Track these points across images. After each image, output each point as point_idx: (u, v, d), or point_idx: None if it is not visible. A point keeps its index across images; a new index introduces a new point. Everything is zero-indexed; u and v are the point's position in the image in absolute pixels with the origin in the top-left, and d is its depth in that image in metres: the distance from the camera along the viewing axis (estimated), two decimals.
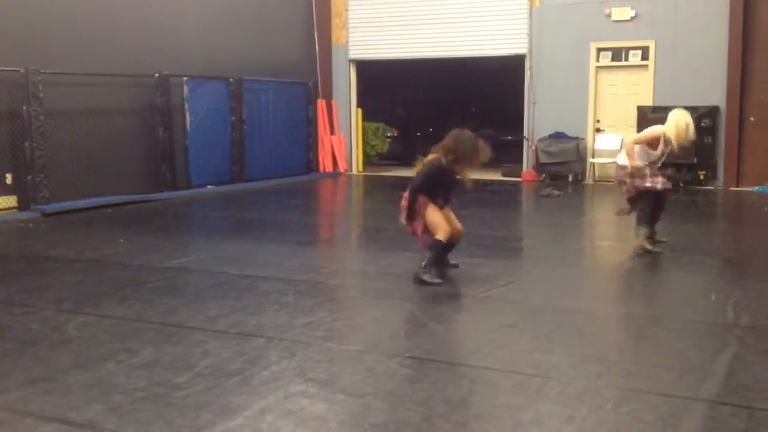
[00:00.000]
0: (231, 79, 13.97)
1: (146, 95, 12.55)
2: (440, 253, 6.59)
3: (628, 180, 7.75)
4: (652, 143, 7.65)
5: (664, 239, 8.03)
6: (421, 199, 6.56)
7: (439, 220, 6.52)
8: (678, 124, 7.55)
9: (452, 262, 6.97)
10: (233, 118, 14.05)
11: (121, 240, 8.65)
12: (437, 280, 6.44)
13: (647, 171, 7.70)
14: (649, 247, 7.69)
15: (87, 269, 7.19)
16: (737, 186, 13.18)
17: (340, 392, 4.07)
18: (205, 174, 13.47)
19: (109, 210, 10.95)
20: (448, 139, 6.50)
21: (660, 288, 6.81)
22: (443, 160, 6.50)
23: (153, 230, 9.65)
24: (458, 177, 6.72)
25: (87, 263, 7.46)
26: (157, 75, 12.57)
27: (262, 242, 8.63)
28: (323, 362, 4.55)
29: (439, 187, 6.62)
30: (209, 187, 13.43)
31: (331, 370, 4.43)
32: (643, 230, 7.73)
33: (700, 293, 6.31)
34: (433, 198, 6.60)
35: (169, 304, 5.89)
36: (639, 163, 7.64)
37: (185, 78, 13.08)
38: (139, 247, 8.29)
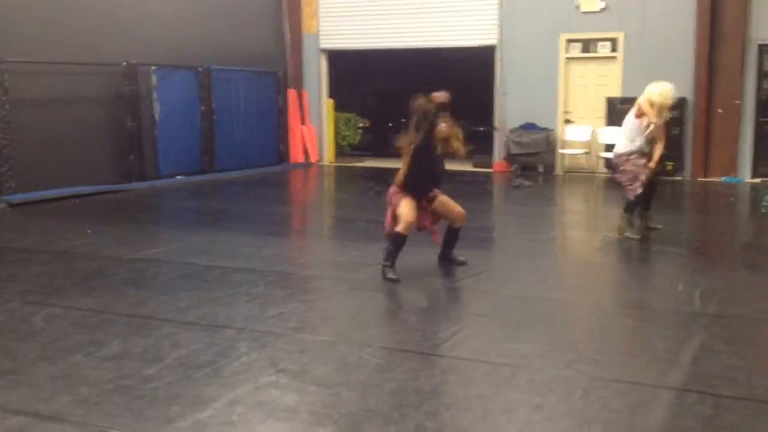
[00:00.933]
0: (200, 69, 13.82)
1: (114, 84, 12.37)
2: (398, 246, 6.29)
3: (627, 166, 7.86)
4: (647, 113, 7.69)
5: (659, 226, 8.16)
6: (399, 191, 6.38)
7: (406, 212, 6.27)
8: (662, 90, 7.75)
9: (460, 258, 6.75)
10: (202, 107, 13.91)
11: (89, 231, 8.54)
12: (393, 277, 6.19)
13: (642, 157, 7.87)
14: (628, 234, 7.89)
15: (54, 260, 7.09)
16: (704, 176, 13.35)
17: (311, 383, 4.06)
18: (174, 164, 13.33)
19: (77, 200, 10.80)
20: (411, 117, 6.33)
21: (629, 278, 6.89)
22: (417, 136, 6.27)
23: (121, 221, 9.54)
24: (441, 152, 6.46)
25: (54, 254, 7.36)
26: (124, 64, 12.39)
27: (232, 233, 8.57)
28: (294, 353, 4.54)
29: (426, 171, 6.39)
30: (178, 177, 13.30)
31: (302, 360, 4.42)
32: (627, 215, 7.96)
33: (668, 283, 6.39)
34: (417, 188, 6.41)
35: (138, 296, 5.83)
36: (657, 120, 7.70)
37: (153, 67, 12.91)
38: (108, 238, 8.20)
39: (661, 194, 11.98)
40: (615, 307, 5.79)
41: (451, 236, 6.74)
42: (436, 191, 6.60)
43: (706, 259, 7.55)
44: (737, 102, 12.81)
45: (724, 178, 13.14)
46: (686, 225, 9.78)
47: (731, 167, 13.22)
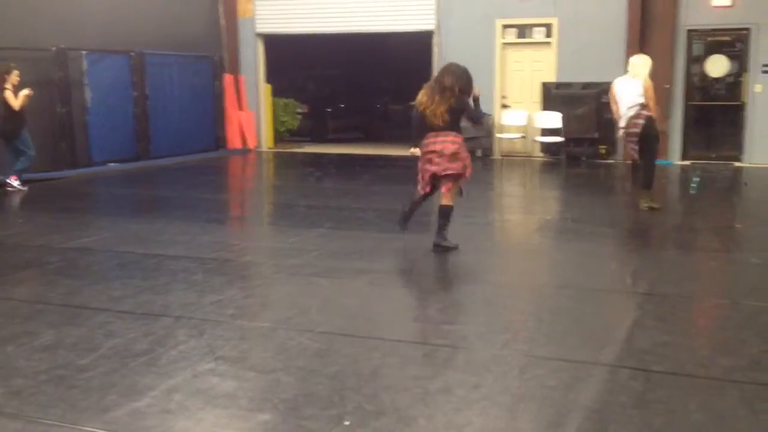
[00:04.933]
0: (132, 53, 13.51)
1: (43, 70, 11.99)
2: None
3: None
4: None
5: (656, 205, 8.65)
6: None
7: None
8: (649, 63, 8.65)
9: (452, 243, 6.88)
10: (135, 93, 13.59)
11: (20, 220, 8.31)
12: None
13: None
14: (654, 204, 8.56)
15: None
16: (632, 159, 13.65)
17: (251, 369, 4.04)
18: (107, 151, 13.02)
19: (8, 189, 10.47)
20: (446, 79, 6.44)
21: (564, 258, 7.02)
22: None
23: (53, 210, 9.29)
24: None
25: None
26: (54, 48, 12.03)
27: (169, 220, 8.44)
28: (233, 340, 4.50)
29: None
30: (112, 164, 13.00)
31: (241, 347, 4.39)
32: (650, 191, 8.64)
33: (602, 263, 6.55)
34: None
35: (71, 285, 5.70)
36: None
37: (84, 52, 12.56)
38: (39, 227, 7.99)
39: (594, 177, 12.30)
40: (551, 287, 5.90)
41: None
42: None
43: (638, 240, 7.76)
44: (667, 86, 13.14)
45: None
46: (618, 207, 10.02)
47: (662, 150, 13.54)
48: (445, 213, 6.65)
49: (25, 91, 10.23)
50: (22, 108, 10.24)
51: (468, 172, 6.66)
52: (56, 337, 4.53)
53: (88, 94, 12.69)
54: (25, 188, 10.34)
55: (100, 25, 12.96)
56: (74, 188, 11.14)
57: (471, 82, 6.59)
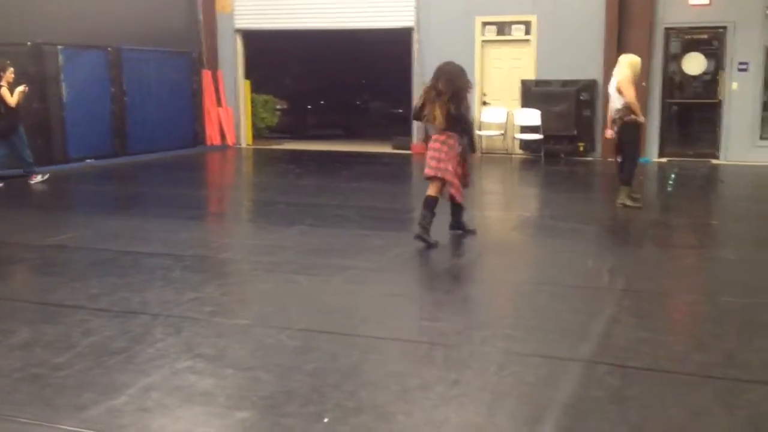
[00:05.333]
0: (109, 48, 13.39)
1: (18, 65, 11.81)
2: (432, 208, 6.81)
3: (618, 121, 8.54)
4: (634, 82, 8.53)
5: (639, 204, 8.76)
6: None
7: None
8: (632, 61, 8.59)
9: (470, 227, 7.31)
10: (113, 89, 13.48)
11: None
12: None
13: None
14: (630, 203, 8.59)
15: None
16: (614, 157, 13.75)
17: (229, 366, 4.03)
18: (84, 148, 12.90)
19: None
20: (441, 84, 6.61)
21: (543, 255, 7.06)
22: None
23: (30, 207, 9.21)
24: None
25: None
26: (29, 43, 11.90)
27: (146, 217, 8.38)
28: (211, 337, 4.48)
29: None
30: (89, 161, 12.89)
31: (219, 345, 4.37)
32: (627, 188, 8.67)
33: (580, 259, 6.58)
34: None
35: (47, 283, 5.65)
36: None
37: (60, 47, 12.43)
38: (15, 224, 7.90)
39: (572, 174, 12.36)
40: (529, 283, 5.93)
41: (456, 206, 7.16)
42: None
43: (616, 237, 7.82)
44: (644, 84, 13.24)
45: None
46: (596, 204, 10.08)
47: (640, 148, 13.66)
48: (425, 203, 6.76)
49: (20, 88, 10.41)
50: (18, 104, 10.41)
51: (450, 179, 6.76)
52: (32, 335, 4.48)
53: (65, 90, 12.57)
54: (47, 176, 10.86)
55: (76, 20, 12.83)
56: (51, 185, 11.01)
57: (466, 83, 6.81)
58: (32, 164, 10.75)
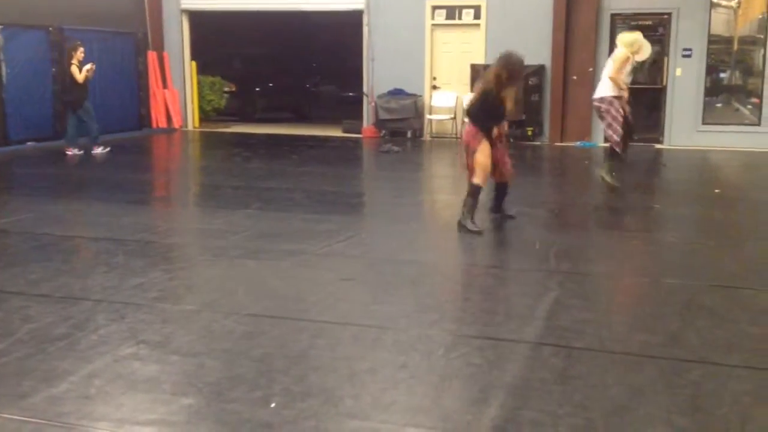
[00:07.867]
0: (50, 28, 13.01)
1: None
2: (477, 198, 6.70)
3: (611, 108, 8.52)
4: (624, 66, 8.48)
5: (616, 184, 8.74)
6: (476, 131, 6.64)
7: (484, 163, 6.63)
8: (626, 39, 8.55)
9: (509, 213, 7.22)
10: (54, 69, 13.12)
11: None
12: (476, 229, 6.59)
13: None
14: (609, 180, 8.55)
15: None
16: (561, 141, 13.94)
17: (174, 353, 3.96)
18: (24, 130, 12.56)
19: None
20: (498, 65, 6.66)
21: (490, 238, 7.08)
22: (492, 88, 6.64)
23: None
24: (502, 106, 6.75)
25: None
26: None
27: (89, 202, 8.20)
28: (156, 323, 4.41)
29: (491, 119, 6.72)
30: (30, 143, 12.54)
31: (164, 331, 4.30)
32: (609, 163, 8.66)
33: (526, 242, 6.65)
34: (487, 132, 6.68)
35: None
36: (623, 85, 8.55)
37: (0, 26, 12.03)
38: None
39: (521, 158, 12.47)
40: (477, 267, 5.97)
41: (500, 190, 7.15)
42: (505, 127, 7.01)
43: (561, 220, 7.92)
44: (591, 69, 13.41)
45: (579, 143, 13.76)
46: (544, 188, 10.21)
47: (586, 132, 13.86)
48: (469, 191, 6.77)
49: (88, 66, 11.59)
50: (86, 81, 11.57)
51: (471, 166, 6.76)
52: None
53: (5, 70, 12.20)
54: (108, 148, 11.96)
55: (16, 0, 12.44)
56: None
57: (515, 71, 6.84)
58: (97, 138, 11.72)
